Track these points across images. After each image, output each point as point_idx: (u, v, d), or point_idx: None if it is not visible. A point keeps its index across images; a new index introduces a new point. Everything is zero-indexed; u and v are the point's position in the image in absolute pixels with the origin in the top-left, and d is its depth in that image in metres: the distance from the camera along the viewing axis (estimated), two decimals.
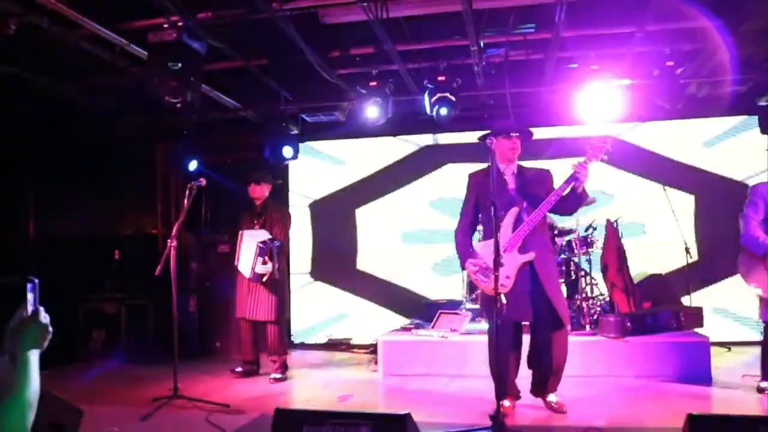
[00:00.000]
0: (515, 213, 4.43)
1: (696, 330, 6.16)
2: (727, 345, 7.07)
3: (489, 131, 4.54)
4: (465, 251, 4.55)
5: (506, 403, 4.35)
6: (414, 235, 8.42)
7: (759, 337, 7.07)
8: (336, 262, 8.64)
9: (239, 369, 6.25)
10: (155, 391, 5.28)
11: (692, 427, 2.95)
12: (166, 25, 5.24)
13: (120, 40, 5.55)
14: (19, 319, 1.78)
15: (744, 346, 7.09)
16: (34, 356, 1.76)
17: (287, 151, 7.77)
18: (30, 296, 1.79)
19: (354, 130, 7.71)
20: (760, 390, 4.83)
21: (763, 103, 7.09)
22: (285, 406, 4.45)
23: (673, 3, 5.25)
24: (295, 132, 7.73)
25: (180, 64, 5.19)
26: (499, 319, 4.09)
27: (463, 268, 4.63)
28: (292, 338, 8.40)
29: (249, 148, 8.35)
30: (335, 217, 8.68)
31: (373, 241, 8.56)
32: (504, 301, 4.19)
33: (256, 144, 8.17)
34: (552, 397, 4.61)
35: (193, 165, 7.77)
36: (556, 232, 6.68)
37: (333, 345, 8.15)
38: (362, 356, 7.37)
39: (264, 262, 5.91)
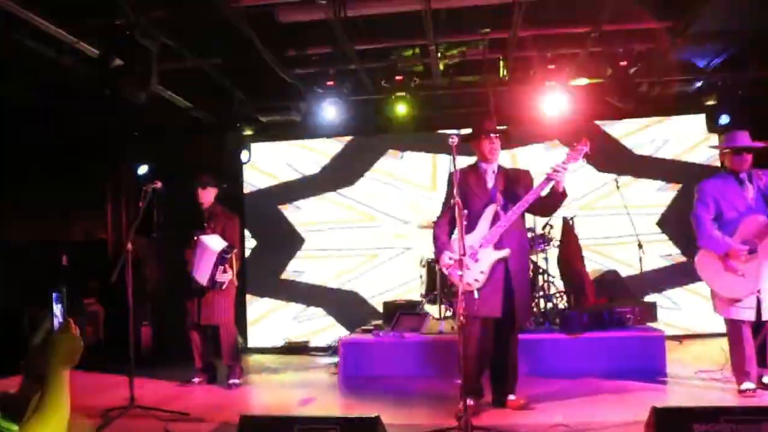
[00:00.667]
0: (493, 210, 4.50)
1: (650, 324, 6.29)
2: (678, 338, 7.24)
3: (470, 132, 4.65)
4: (442, 245, 4.58)
5: (469, 402, 4.33)
6: (360, 234, 8.40)
7: (709, 329, 7.33)
8: (276, 267, 8.53)
9: (196, 379, 6.07)
10: (110, 400, 5.10)
11: (657, 420, 2.98)
12: (118, 23, 5.10)
13: (69, 38, 5.36)
14: (46, 333, 1.58)
15: (695, 338, 7.28)
16: (65, 374, 1.55)
17: (242, 153, 7.65)
18: (57, 307, 1.61)
19: (310, 130, 7.63)
20: (742, 392, 4.65)
21: (710, 102, 7.26)
22: (247, 413, 4.38)
23: (626, 4, 5.35)
24: (250, 133, 7.61)
25: (131, 63, 5.05)
26: (469, 314, 4.11)
27: (438, 261, 4.63)
28: (249, 343, 8.27)
29: (202, 150, 8.18)
30: (277, 217, 8.55)
31: (318, 242, 8.49)
32: (476, 296, 4.23)
33: (209, 146, 8.02)
34: (512, 397, 4.64)
35: (142, 169, 7.57)
36: None
37: (291, 349, 8.04)
38: (322, 359, 7.29)
39: (224, 271, 5.79)
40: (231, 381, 5.92)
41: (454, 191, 4.10)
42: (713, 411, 3.12)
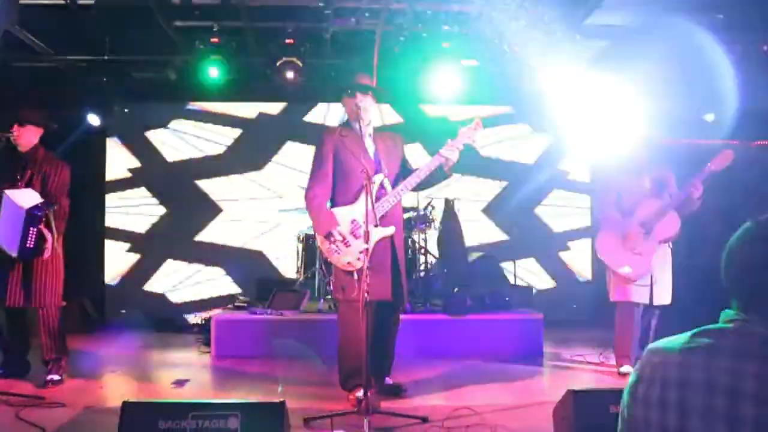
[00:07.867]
0: (380, 180, 4.10)
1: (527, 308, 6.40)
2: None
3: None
4: (328, 218, 4.05)
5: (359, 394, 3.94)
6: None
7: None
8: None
9: None
10: None
11: (576, 401, 2.98)
12: None
13: None
14: None
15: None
16: None
17: (107, 110, 6.92)
18: None
19: (185, 91, 7.06)
20: (622, 374, 4.83)
21: None
22: (111, 399, 3.96)
23: None
24: (117, 88, 6.85)
25: None
26: (356, 295, 3.82)
27: (324, 236, 4.05)
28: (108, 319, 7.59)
29: (66, 104, 7.30)
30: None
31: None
32: (355, 277, 3.93)
33: (74, 99, 7.15)
34: (389, 380, 4.42)
35: None
36: None
37: (158, 325, 7.39)
38: (189, 336, 6.78)
39: (38, 235, 4.42)
40: (50, 378, 4.68)
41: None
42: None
